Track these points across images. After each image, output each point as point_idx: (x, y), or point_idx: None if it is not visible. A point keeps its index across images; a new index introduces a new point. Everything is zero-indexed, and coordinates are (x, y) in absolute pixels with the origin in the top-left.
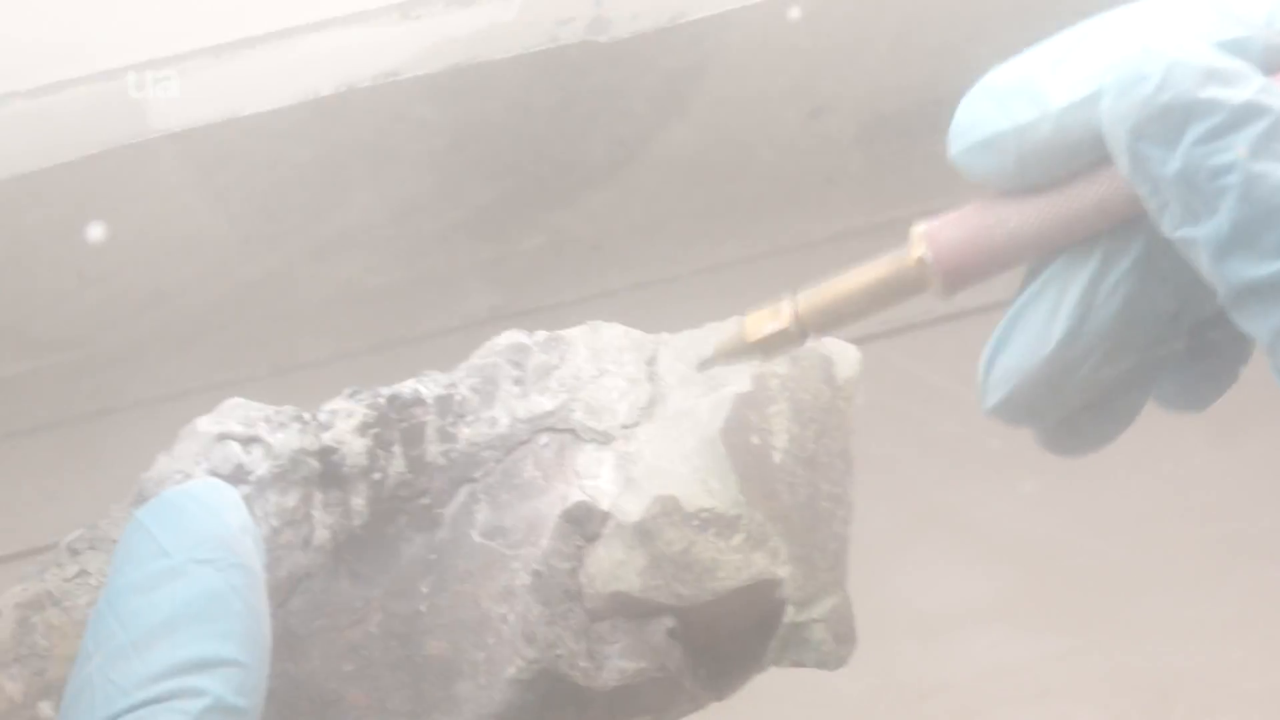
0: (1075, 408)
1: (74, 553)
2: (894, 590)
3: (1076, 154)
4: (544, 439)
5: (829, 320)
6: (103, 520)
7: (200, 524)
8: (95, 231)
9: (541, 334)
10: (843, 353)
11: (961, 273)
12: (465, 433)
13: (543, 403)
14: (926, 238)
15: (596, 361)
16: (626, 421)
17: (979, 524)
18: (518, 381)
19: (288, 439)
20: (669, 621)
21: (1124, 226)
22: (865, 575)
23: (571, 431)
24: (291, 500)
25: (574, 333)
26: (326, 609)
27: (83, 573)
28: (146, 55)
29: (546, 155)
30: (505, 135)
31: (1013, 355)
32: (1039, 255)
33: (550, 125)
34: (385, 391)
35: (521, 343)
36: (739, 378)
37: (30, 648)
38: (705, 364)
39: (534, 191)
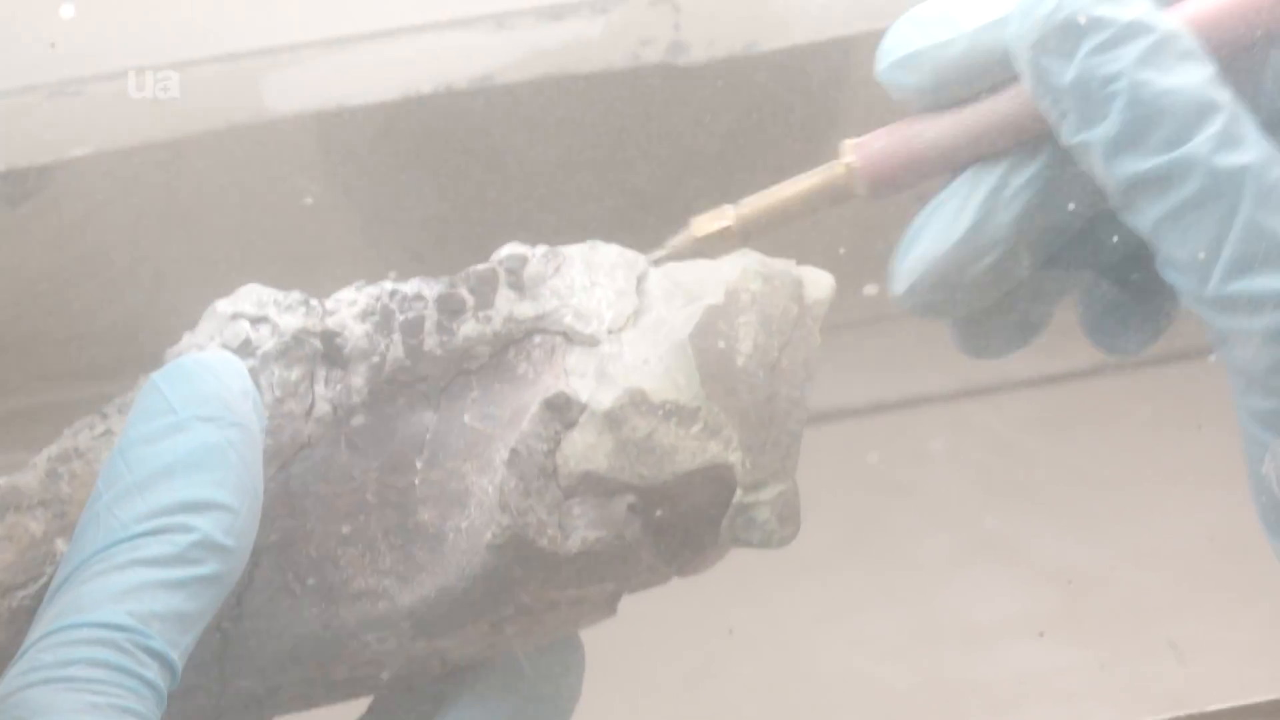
0: (979, 308)
1: (104, 416)
2: (945, 603)
3: (987, 72)
4: (537, 339)
5: (768, 220)
6: (134, 390)
7: (206, 386)
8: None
9: (542, 247)
10: (816, 278)
11: (884, 178)
12: (462, 328)
13: (536, 306)
14: (855, 147)
15: (590, 274)
16: (612, 327)
17: (1028, 552)
18: (513, 286)
19: (293, 320)
20: (631, 498)
21: (1031, 143)
22: (921, 589)
23: (563, 334)
24: (294, 374)
25: (572, 249)
26: (326, 476)
27: (108, 432)
28: (263, 42)
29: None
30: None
31: (921, 246)
32: (954, 165)
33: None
34: (389, 286)
35: (521, 253)
36: (715, 291)
37: (54, 494)
38: (656, 258)
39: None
